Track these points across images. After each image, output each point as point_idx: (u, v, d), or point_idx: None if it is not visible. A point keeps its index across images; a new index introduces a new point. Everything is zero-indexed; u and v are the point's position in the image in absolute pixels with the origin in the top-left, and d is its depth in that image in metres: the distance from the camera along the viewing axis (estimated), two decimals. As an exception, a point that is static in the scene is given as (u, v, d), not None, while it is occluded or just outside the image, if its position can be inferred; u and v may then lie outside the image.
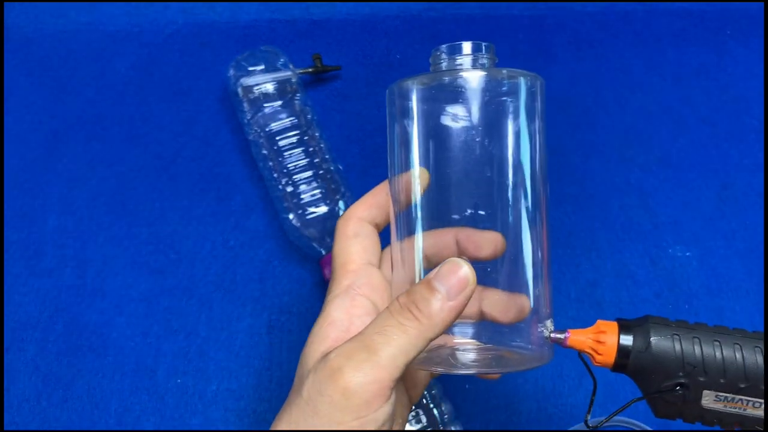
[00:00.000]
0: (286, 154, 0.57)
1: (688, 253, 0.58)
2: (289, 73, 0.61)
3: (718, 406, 0.32)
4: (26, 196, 0.60)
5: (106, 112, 0.66)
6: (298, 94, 0.60)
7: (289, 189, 0.56)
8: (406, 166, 0.36)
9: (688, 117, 0.67)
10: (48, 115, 0.66)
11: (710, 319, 0.55)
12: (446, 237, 0.36)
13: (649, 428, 0.50)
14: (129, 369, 0.52)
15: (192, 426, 0.51)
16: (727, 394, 0.32)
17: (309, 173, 0.56)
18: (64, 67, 0.69)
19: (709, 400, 0.32)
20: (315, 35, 0.72)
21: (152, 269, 0.57)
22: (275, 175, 0.57)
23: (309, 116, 0.60)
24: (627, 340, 0.33)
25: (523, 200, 0.35)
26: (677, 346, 0.32)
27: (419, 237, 0.36)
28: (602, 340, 0.34)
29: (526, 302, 0.36)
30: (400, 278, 0.36)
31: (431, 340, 0.32)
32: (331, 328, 0.35)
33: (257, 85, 0.60)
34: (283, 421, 0.32)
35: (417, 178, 0.35)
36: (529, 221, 0.35)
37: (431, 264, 0.36)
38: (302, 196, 0.56)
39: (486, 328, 0.36)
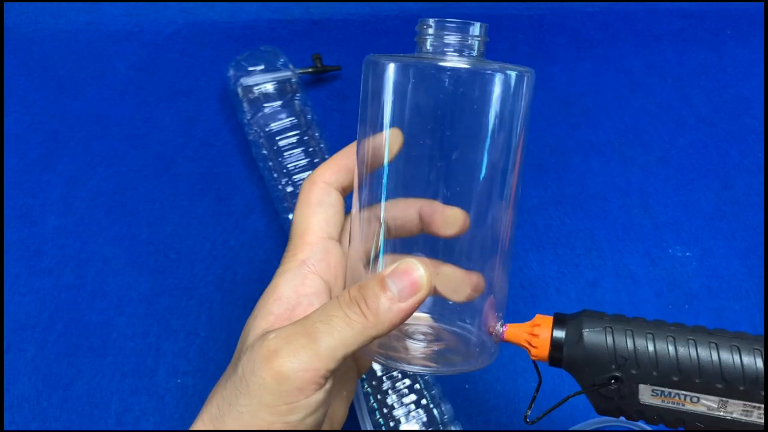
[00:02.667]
0: (286, 154, 0.57)
1: (688, 253, 0.58)
2: (289, 73, 0.61)
3: (656, 402, 0.31)
4: (26, 196, 0.61)
5: (106, 112, 0.66)
6: (298, 94, 0.60)
7: (289, 189, 0.56)
8: (376, 130, 0.34)
9: (688, 117, 0.67)
10: (48, 115, 0.66)
11: (710, 318, 0.55)
12: (410, 209, 0.35)
13: (649, 428, 0.50)
14: (129, 369, 0.52)
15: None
16: (663, 388, 0.31)
17: (309, 173, 0.56)
18: (64, 67, 0.69)
19: (645, 395, 0.32)
20: (315, 35, 0.72)
21: (152, 269, 0.57)
22: (275, 175, 0.57)
23: (309, 116, 0.60)
24: (560, 333, 0.33)
25: (491, 181, 0.34)
26: (609, 339, 0.32)
27: (380, 206, 0.35)
28: (536, 333, 0.33)
29: (481, 282, 0.35)
30: (357, 252, 0.35)
31: (374, 338, 0.31)
32: (277, 304, 0.35)
33: (257, 85, 0.60)
34: (217, 396, 0.32)
35: (387, 139, 0.34)
36: (495, 204, 0.34)
37: (391, 234, 0.35)
38: (302, 196, 0.55)
39: (437, 304, 0.36)
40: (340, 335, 0.31)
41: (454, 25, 0.33)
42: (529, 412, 0.35)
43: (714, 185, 0.62)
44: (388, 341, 0.35)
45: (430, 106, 0.33)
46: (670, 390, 0.31)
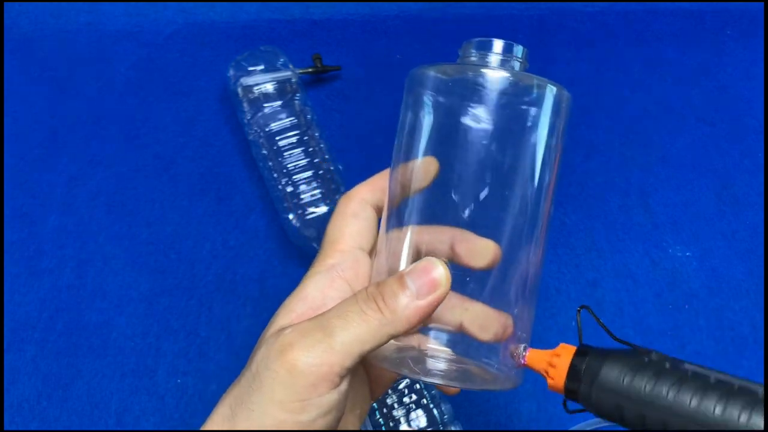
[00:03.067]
0: (286, 154, 0.57)
1: (688, 253, 0.58)
2: (289, 73, 0.61)
3: None
4: (26, 196, 0.60)
5: (106, 112, 0.66)
6: (298, 94, 0.60)
7: (289, 189, 0.56)
8: (412, 155, 0.34)
9: (688, 117, 0.67)
10: (48, 114, 0.66)
11: (710, 319, 0.55)
12: (442, 236, 0.34)
13: (649, 428, 0.49)
14: (129, 369, 0.52)
15: (192, 426, 0.51)
16: None
17: (309, 173, 0.56)
18: (64, 67, 0.69)
19: None
20: (315, 35, 0.72)
21: (152, 269, 0.57)
22: (275, 175, 0.57)
23: (309, 116, 0.60)
24: (578, 368, 0.31)
25: (525, 215, 0.34)
26: (623, 390, 0.30)
27: (410, 229, 0.34)
28: (555, 363, 0.32)
29: (510, 323, 0.34)
30: (381, 268, 0.35)
31: (392, 336, 0.31)
32: (301, 303, 0.34)
33: (257, 85, 0.60)
34: (231, 395, 0.32)
35: (423, 166, 0.33)
36: (527, 238, 0.34)
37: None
38: (302, 196, 0.55)
39: (462, 340, 0.35)
40: (356, 331, 0.30)
41: (501, 44, 0.33)
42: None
43: (714, 185, 0.62)
44: (411, 360, 0.35)
45: (473, 119, 0.33)
46: None
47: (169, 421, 0.51)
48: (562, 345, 0.33)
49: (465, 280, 0.34)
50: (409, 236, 0.34)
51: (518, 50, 0.33)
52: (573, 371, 0.31)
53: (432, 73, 0.34)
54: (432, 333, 0.34)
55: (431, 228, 0.35)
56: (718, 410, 0.29)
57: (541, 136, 0.33)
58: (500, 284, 0.34)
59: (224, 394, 0.32)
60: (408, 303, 0.31)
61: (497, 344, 0.34)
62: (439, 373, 0.34)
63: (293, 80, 0.61)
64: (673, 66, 0.70)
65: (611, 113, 0.67)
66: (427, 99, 0.34)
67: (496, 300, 0.34)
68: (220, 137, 0.64)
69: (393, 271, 0.34)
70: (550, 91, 0.33)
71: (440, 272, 0.31)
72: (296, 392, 0.30)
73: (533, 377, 0.53)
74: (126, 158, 0.63)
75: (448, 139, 0.34)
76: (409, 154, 0.34)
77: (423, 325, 0.32)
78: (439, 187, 0.34)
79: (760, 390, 0.29)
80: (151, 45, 0.70)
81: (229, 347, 0.54)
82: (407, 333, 0.31)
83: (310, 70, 0.65)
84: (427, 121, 0.34)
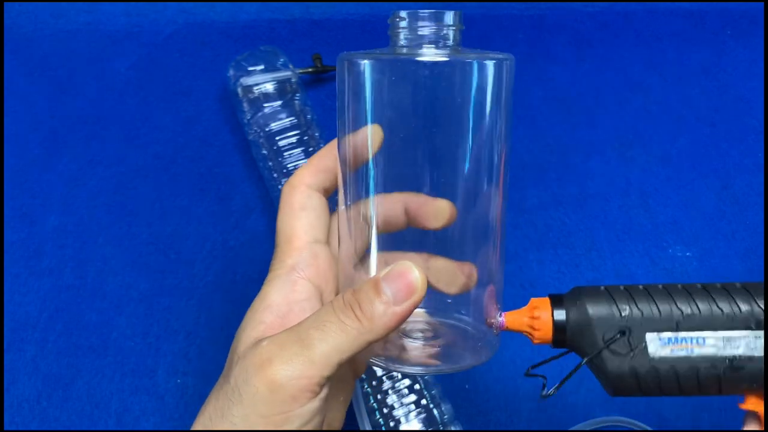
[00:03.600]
0: (286, 154, 0.57)
1: (688, 253, 0.58)
2: (288, 73, 0.61)
3: (666, 353, 0.32)
4: (26, 196, 0.60)
5: (106, 112, 0.66)
6: (298, 94, 0.60)
7: (289, 189, 0.56)
8: (356, 126, 0.34)
9: (688, 117, 0.67)
10: (48, 115, 0.66)
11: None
12: (395, 203, 0.35)
13: (649, 428, 0.50)
14: (129, 369, 0.52)
15: (192, 426, 0.51)
16: (669, 334, 0.32)
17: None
18: (64, 67, 0.69)
19: (655, 346, 0.32)
20: (315, 35, 0.72)
21: (152, 269, 0.57)
22: (275, 175, 0.57)
23: (309, 116, 0.60)
24: (560, 310, 0.33)
25: (478, 172, 0.34)
26: (608, 299, 0.33)
27: (371, 202, 0.34)
28: (537, 315, 0.33)
29: (474, 272, 0.35)
30: (346, 253, 0.35)
31: (370, 343, 0.31)
32: (267, 312, 0.34)
33: (257, 85, 0.60)
34: (210, 406, 0.32)
35: (370, 135, 0.33)
36: (483, 194, 0.34)
37: (379, 231, 0.35)
38: (302, 196, 0.55)
39: (432, 298, 0.35)
40: (335, 341, 0.30)
41: (427, 15, 0.33)
42: (544, 391, 0.34)
43: (714, 185, 0.62)
44: (386, 343, 0.35)
45: (409, 101, 0.33)
46: (676, 335, 0.32)
47: (169, 421, 0.51)
48: (533, 299, 0.34)
49: (424, 239, 0.35)
50: (368, 212, 0.34)
51: (449, 17, 0.33)
52: (557, 317, 0.33)
53: (363, 58, 0.33)
54: None
55: (385, 197, 0.35)
56: (704, 291, 0.33)
57: (480, 92, 0.33)
58: (459, 237, 0.35)
59: (203, 406, 0.32)
60: (385, 310, 0.31)
61: (467, 296, 0.35)
62: (419, 354, 0.34)
63: (293, 80, 0.61)
64: (673, 66, 0.70)
65: (611, 113, 0.67)
66: (363, 75, 0.33)
67: (456, 252, 0.35)
68: (220, 137, 0.64)
69: (358, 255, 0.34)
70: (485, 62, 0.33)
71: (415, 276, 0.31)
72: (278, 406, 0.30)
73: (532, 379, 0.53)
74: (126, 158, 0.63)
75: (389, 108, 0.33)
76: (352, 127, 0.34)
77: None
78: (387, 156, 0.34)
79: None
80: (151, 45, 0.70)
81: (229, 347, 0.54)
82: (385, 337, 0.32)
83: (310, 70, 0.65)
84: (364, 94, 0.33)
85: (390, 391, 0.48)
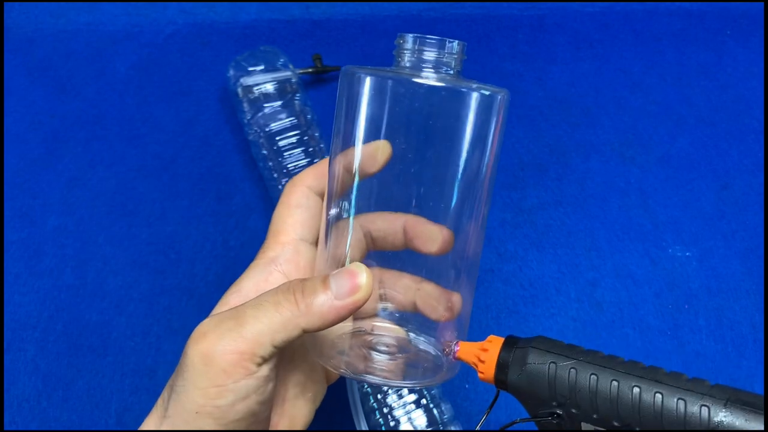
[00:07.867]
0: (286, 154, 0.57)
1: (688, 253, 0.58)
2: (289, 73, 0.61)
3: None
4: (26, 196, 0.61)
5: (106, 112, 0.66)
6: (298, 94, 0.60)
7: (289, 189, 0.56)
8: (349, 137, 0.34)
9: (688, 117, 0.67)
10: (48, 115, 0.66)
11: (710, 319, 0.55)
12: (395, 222, 0.35)
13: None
14: (129, 369, 0.52)
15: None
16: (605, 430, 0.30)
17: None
18: (64, 67, 0.69)
19: (589, 429, 0.31)
20: (315, 35, 0.72)
21: (152, 269, 0.57)
22: (275, 175, 0.57)
23: (309, 116, 0.60)
24: (506, 357, 0.32)
25: (463, 202, 0.34)
26: (551, 375, 0.31)
27: (359, 218, 0.35)
28: (484, 356, 0.33)
29: (458, 303, 0.35)
30: (324, 258, 0.36)
31: (304, 330, 0.32)
32: (235, 296, 0.36)
33: (257, 85, 0.60)
34: (169, 383, 0.33)
35: (375, 150, 0.34)
36: (464, 226, 0.35)
37: (376, 246, 0.36)
38: (302, 196, 0.55)
39: (412, 319, 0.36)
40: (268, 321, 0.31)
41: (432, 41, 0.34)
42: (479, 427, 0.34)
43: (714, 185, 0.62)
44: (351, 351, 0.36)
45: (402, 120, 0.34)
46: None
47: (169, 421, 0.51)
48: (491, 336, 0.34)
49: (418, 262, 0.35)
50: (357, 224, 0.35)
51: (452, 47, 0.34)
52: (500, 363, 0.32)
53: (365, 73, 0.34)
54: (382, 313, 0.36)
55: (387, 214, 0.35)
56: (656, 403, 0.29)
57: (473, 123, 0.34)
58: (450, 265, 0.35)
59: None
60: (325, 301, 0.32)
61: (447, 323, 0.35)
62: (382, 367, 0.35)
63: (293, 80, 0.61)
64: (673, 66, 0.70)
65: (611, 113, 0.67)
66: (362, 96, 0.34)
67: (445, 280, 0.35)
68: (220, 137, 0.64)
69: (338, 261, 0.35)
70: (475, 98, 0.34)
71: (363, 279, 0.32)
72: (211, 378, 0.31)
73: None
74: (126, 158, 0.63)
75: (386, 126, 0.34)
76: (350, 142, 0.35)
77: (342, 321, 0.33)
78: (379, 177, 0.34)
79: (705, 390, 0.29)
80: (151, 45, 0.70)
81: (229, 347, 0.54)
82: (321, 329, 0.32)
83: (310, 70, 0.65)
84: (364, 109, 0.34)
85: (390, 391, 0.48)
